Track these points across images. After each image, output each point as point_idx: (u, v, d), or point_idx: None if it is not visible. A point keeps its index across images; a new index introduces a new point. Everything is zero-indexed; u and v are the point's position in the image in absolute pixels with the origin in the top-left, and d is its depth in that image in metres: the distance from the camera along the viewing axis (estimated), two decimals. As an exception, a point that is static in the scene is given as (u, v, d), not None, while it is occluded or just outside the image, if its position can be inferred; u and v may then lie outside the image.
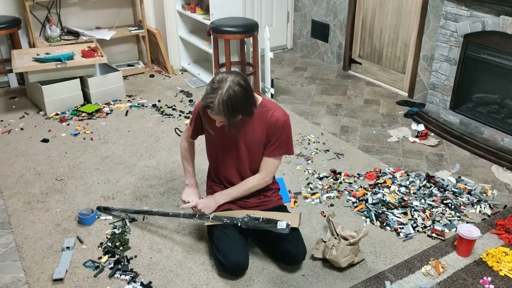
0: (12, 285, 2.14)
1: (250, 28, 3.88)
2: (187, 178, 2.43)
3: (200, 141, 2.43)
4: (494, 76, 3.31)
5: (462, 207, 2.69)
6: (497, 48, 3.15)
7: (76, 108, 3.88)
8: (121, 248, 2.35)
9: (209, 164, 2.44)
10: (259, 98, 2.17)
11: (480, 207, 2.69)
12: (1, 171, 3.03)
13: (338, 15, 4.77)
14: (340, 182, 2.93)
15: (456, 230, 2.45)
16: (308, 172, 3.05)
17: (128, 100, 4.12)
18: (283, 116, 2.16)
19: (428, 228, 2.51)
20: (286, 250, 2.19)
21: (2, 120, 3.72)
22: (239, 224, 2.15)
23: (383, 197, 2.74)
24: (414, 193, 2.80)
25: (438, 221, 2.56)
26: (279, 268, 2.24)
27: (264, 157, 2.23)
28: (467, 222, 2.56)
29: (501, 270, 2.23)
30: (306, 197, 2.78)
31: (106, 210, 2.61)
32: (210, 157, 2.40)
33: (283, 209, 2.36)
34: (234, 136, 2.19)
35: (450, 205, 2.69)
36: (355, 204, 2.72)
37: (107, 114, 3.85)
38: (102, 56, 3.96)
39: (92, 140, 3.43)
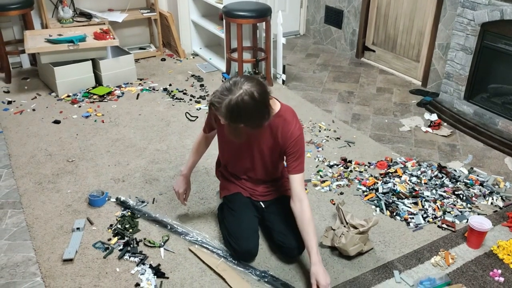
0: (23, 264, 2.17)
1: (263, 13, 3.84)
2: (184, 167, 2.41)
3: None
4: (511, 66, 3.25)
5: (473, 198, 2.66)
6: (515, 37, 3.09)
7: (87, 90, 3.88)
8: (130, 230, 2.36)
9: (220, 160, 2.44)
10: (277, 105, 2.08)
11: (492, 199, 2.66)
12: (13, 151, 3.05)
13: (353, 1, 4.70)
14: (351, 171, 2.91)
15: (467, 222, 2.43)
16: (318, 159, 3.03)
17: (139, 84, 4.12)
18: (297, 130, 2.08)
19: (439, 218, 2.49)
20: (281, 242, 2.17)
21: (14, 101, 3.74)
22: (253, 276, 2.11)
23: (394, 186, 2.71)
24: (425, 183, 2.77)
25: (449, 212, 2.54)
26: (283, 256, 2.23)
27: (292, 176, 2.08)
28: (479, 214, 2.54)
29: (511, 263, 2.21)
30: (315, 185, 2.77)
31: (123, 203, 2.56)
32: (221, 156, 2.39)
33: (287, 199, 2.34)
34: (246, 143, 2.15)
35: (461, 196, 2.66)
36: (365, 193, 2.70)
37: (118, 97, 3.85)
38: (114, 38, 3.95)
39: (103, 122, 3.44)
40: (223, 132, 2.20)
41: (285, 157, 2.16)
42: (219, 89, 1.91)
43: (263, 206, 2.31)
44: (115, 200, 2.59)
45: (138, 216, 2.47)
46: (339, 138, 3.30)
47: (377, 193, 2.68)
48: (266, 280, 2.07)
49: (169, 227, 2.39)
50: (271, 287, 2.05)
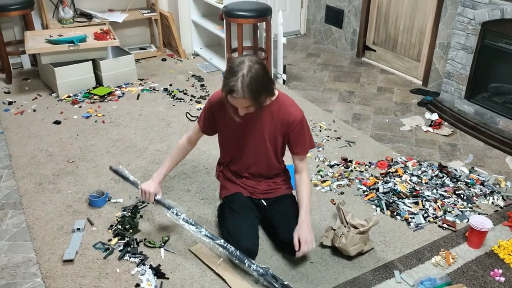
0: (23, 264, 2.17)
1: (263, 13, 3.84)
2: (157, 172, 2.32)
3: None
4: (511, 65, 3.24)
5: (474, 198, 2.66)
6: (516, 37, 3.08)
7: (88, 91, 3.88)
8: (130, 231, 2.36)
9: (221, 160, 2.44)
10: (276, 91, 2.13)
11: (493, 198, 2.66)
12: (13, 152, 3.05)
13: (353, 1, 4.70)
14: (351, 170, 2.91)
15: (467, 221, 2.43)
16: (318, 159, 3.03)
17: (140, 84, 4.12)
18: (298, 114, 2.13)
19: (439, 218, 2.49)
20: (286, 240, 2.16)
21: (15, 101, 3.74)
22: (256, 275, 2.05)
23: (394, 186, 2.71)
24: (426, 183, 2.77)
25: (450, 212, 2.54)
26: (287, 255, 2.23)
27: (298, 156, 2.20)
28: (479, 213, 2.53)
29: (512, 262, 2.21)
30: (316, 185, 2.76)
31: (116, 172, 2.49)
32: (223, 153, 2.39)
33: (289, 198, 2.35)
34: (251, 131, 2.17)
35: (462, 195, 2.65)
36: (366, 193, 2.70)
37: (118, 97, 3.86)
38: (114, 38, 3.95)
39: (103, 123, 3.44)
40: (226, 128, 2.22)
41: (288, 140, 2.19)
42: (227, 77, 1.93)
43: (265, 204, 2.31)
44: (109, 168, 2.54)
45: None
46: (339, 138, 3.30)
47: (377, 193, 2.67)
48: (265, 278, 2.05)
49: (167, 206, 2.28)
50: (269, 285, 2.03)
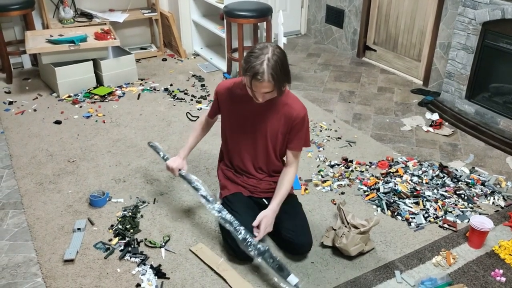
0: (24, 264, 2.17)
1: (263, 13, 3.84)
2: (183, 148, 2.41)
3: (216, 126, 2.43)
4: (512, 65, 3.24)
5: (475, 198, 2.65)
6: (517, 37, 3.08)
7: (88, 91, 3.88)
8: (131, 231, 2.36)
9: (223, 150, 2.44)
10: None
11: (494, 198, 2.66)
12: (14, 152, 3.05)
13: (354, 1, 4.70)
14: (352, 170, 2.91)
15: (468, 221, 2.43)
16: (319, 159, 3.03)
17: (140, 84, 4.12)
18: (302, 111, 2.14)
19: (440, 218, 2.49)
20: (290, 239, 2.17)
21: (15, 101, 3.74)
22: (252, 252, 2.02)
23: (395, 186, 2.71)
24: (426, 183, 2.77)
25: (451, 212, 2.54)
26: (288, 255, 2.23)
27: (291, 151, 2.22)
28: (480, 214, 2.53)
29: (513, 262, 2.21)
30: (316, 185, 2.76)
31: (153, 148, 2.59)
32: (225, 144, 2.39)
33: (292, 197, 2.35)
34: (253, 124, 2.18)
35: (463, 196, 2.65)
36: (366, 193, 2.69)
37: (119, 97, 3.86)
38: (115, 38, 3.95)
39: (104, 122, 3.44)
40: (230, 117, 2.24)
41: (288, 135, 2.20)
42: (249, 61, 1.91)
43: (266, 203, 2.31)
44: (147, 143, 2.66)
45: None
46: (340, 138, 3.30)
47: (378, 193, 2.67)
48: (263, 256, 2.00)
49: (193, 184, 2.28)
50: (266, 265, 2.00)
